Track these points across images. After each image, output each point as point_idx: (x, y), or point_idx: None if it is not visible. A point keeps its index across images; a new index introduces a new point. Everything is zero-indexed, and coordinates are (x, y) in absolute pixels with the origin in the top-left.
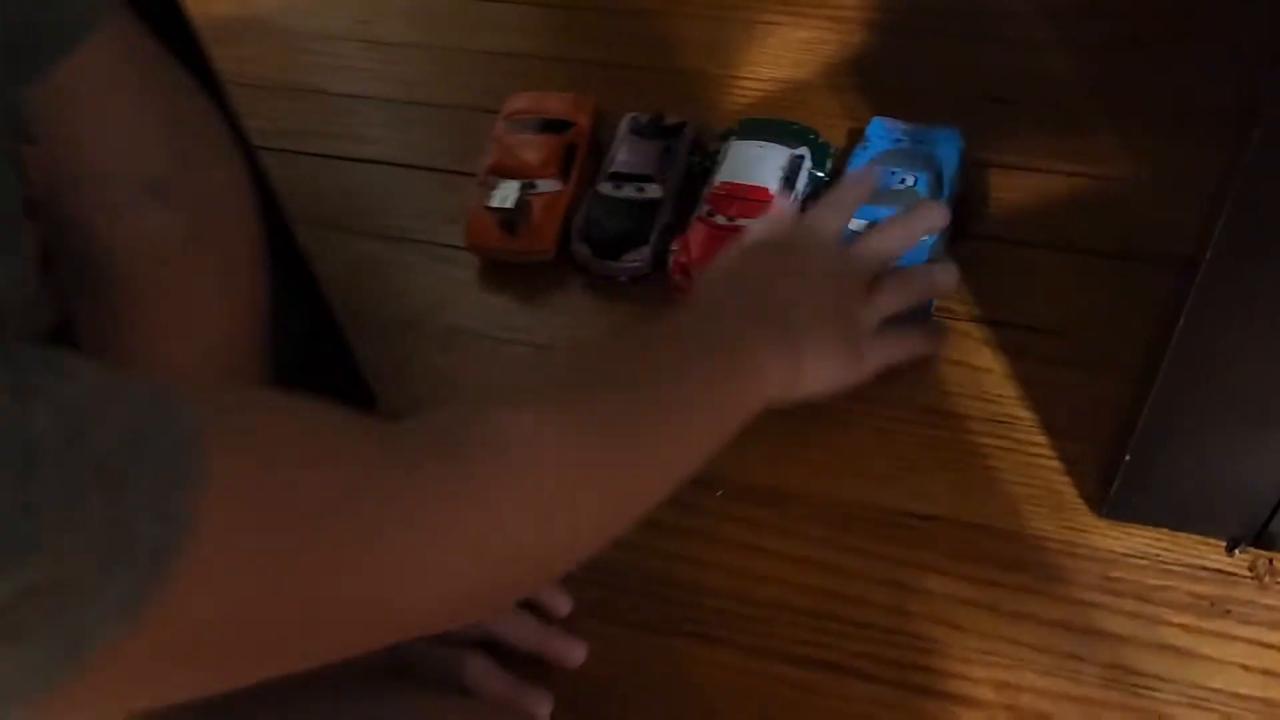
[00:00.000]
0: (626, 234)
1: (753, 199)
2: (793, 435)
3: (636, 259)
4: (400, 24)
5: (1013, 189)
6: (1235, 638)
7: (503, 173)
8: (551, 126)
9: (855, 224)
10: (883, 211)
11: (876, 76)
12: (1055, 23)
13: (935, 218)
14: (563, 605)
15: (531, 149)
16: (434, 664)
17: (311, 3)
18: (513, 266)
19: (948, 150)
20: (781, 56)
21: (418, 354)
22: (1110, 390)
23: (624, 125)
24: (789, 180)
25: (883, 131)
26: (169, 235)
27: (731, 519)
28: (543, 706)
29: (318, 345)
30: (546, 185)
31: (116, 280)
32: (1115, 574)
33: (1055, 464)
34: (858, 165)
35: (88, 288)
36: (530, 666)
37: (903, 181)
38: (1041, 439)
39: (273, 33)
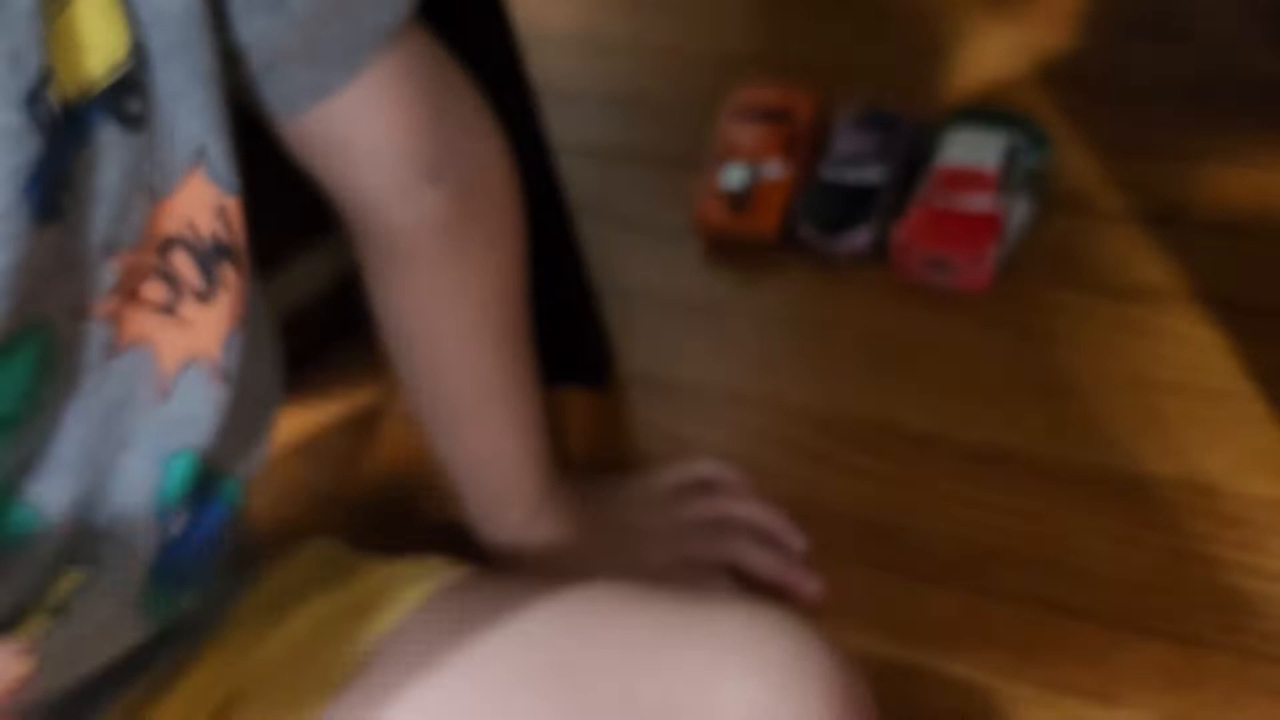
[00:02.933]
0: (848, 216)
1: (972, 180)
2: (1012, 402)
3: (858, 237)
4: (620, 23)
5: (1225, 180)
6: None
7: (729, 158)
8: (774, 115)
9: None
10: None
11: (1083, 76)
12: (1254, 20)
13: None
14: (797, 541)
15: (756, 136)
16: (683, 584)
17: (537, 11)
18: (737, 246)
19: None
20: (991, 55)
21: (647, 324)
22: None
23: (845, 116)
24: (1007, 164)
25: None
26: (444, 211)
27: (958, 476)
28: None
29: (571, 304)
30: (771, 170)
31: (399, 252)
32: None
33: (1276, 432)
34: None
35: (374, 257)
36: (769, 598)
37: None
38: (1261, 409)
39: None
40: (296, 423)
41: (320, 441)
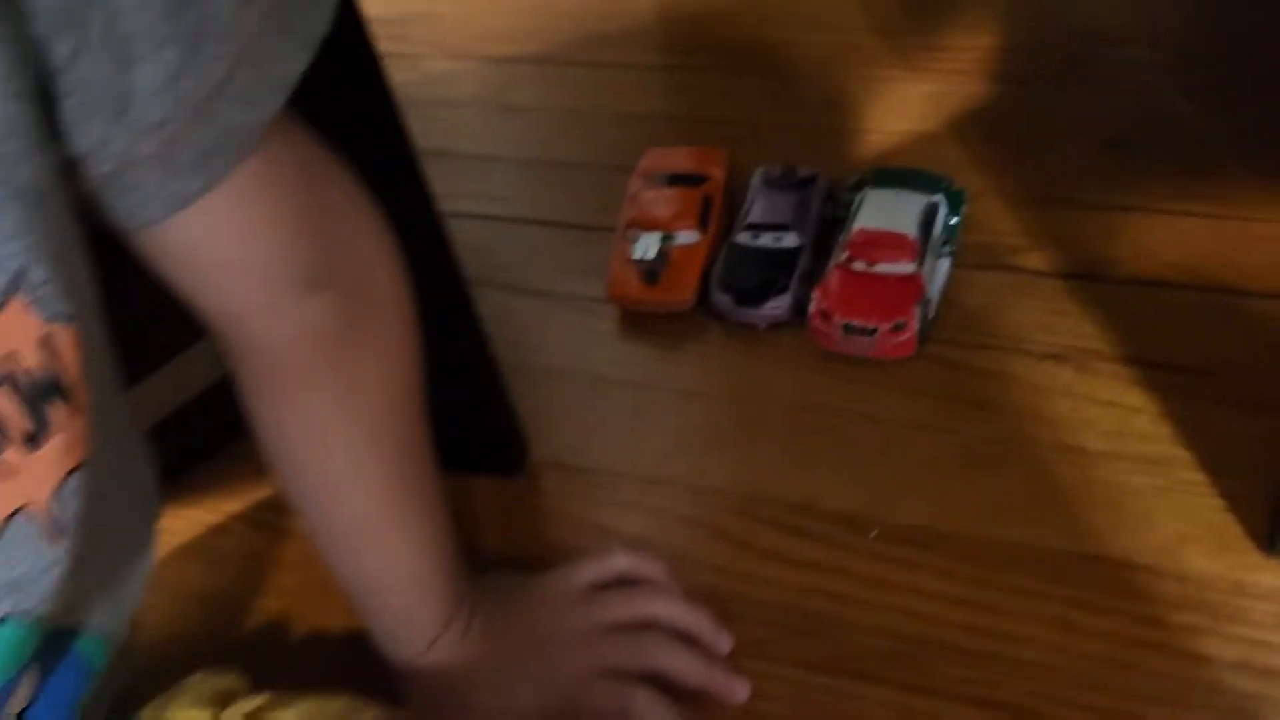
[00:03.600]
0: (765, 282)
1: (892, 245)
2: (945, 477)
3: (777, 306)
4: (531, 90)
5: (1148, 233)
6: None
7: (641, 226)
8: (686, 180)
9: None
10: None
11: (999, 127)
12: (1172, 69)
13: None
14: (724, 643)
15: (668, 202)
16: (602, 697)
17: (444, 74)
18: (653, 317)
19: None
20: (905, 110)
21: (564, 402)
22: (1267, 427)
23: (758, 177)
24: (926, 226)
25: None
26: (325, 322)
27: (888, 560)
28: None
29: (478, 388)
30: (685, 237)
31: (277, 368)
32: None
33: (1217, 501)
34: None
35: (249, 374)
36: (693, 703)
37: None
38: (1199, 476)
39: (409, 102)
40: (190, 524)
41: (216, 543)
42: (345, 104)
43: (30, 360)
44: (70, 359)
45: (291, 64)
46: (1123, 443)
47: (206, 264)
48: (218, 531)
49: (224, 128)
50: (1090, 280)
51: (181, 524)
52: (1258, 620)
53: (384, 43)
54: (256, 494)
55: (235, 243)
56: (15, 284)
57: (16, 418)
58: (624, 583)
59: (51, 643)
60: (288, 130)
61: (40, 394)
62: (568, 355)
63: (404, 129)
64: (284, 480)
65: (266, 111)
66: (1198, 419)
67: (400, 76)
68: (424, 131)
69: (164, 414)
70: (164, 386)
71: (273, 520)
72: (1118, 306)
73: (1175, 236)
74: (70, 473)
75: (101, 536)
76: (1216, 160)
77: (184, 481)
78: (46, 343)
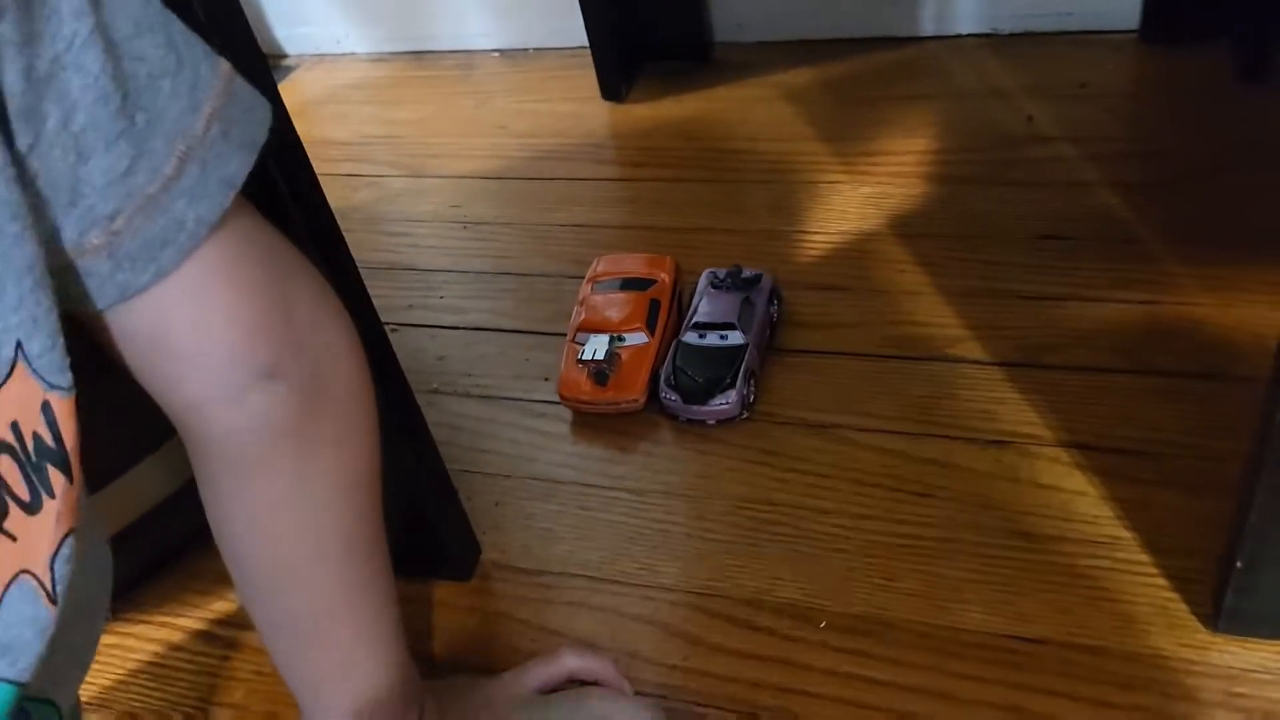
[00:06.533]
0: (712, 380)
1: None
2: (889, 566)
3: (724, 403)
4: (487, 206)
5: (1083, 320)
6: None
7: (592, 329)
8: (634, 284)
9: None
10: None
11: (936, 224)
12: (1101, 165)
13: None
14: None
15: (617, 306)
16: None
17: (403, 192)
18: (604, 417)
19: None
20: (847, 212)
21: (515, 504)
22: (1207, 506)
23: (704, 279)
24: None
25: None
26: (283, 412)
27: (838, 650)
28: None
29: (427, 494)
30: (633, 338)
31: (233, 456)
32: (1240, 689)
33: (1161, 581)
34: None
35: (205, 462)
36: None
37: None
38: (1143, 557)
39: (370, 220)
40: (141, 640)
41: (172, 660)
42: (285, 220)
43: (32, 429)
44: (68, 428)
45: (236, 164)
46: (1067, 527)
47: (163, 353)
48: (168, 646)
49: (173, 221)
50: (1029, 368)
51: (133, 640)
52: (1206, 698)
53: (347, 164)
54: (208, 609)
55: (192, 334)
56: (17, 355)
57: (19, 484)
58: (576, 683)
59: (21, 713)
60: (251, 227)
61: (41, 462)
62: (520, 458)
63: (343, 243)
64: (233, 570)
65: (215, 208)
66: (1140, 500)
67: (363, 195)
68: (386, 246)
69: (117, 529)
70: (114, 502)
71: (223, 634)
72: (1057, 392)
73: (1110, 323)
74: (64, 538)
75: (73, 602)
76: (1146, 249)
77: (134, 597)
78: (46, 412)
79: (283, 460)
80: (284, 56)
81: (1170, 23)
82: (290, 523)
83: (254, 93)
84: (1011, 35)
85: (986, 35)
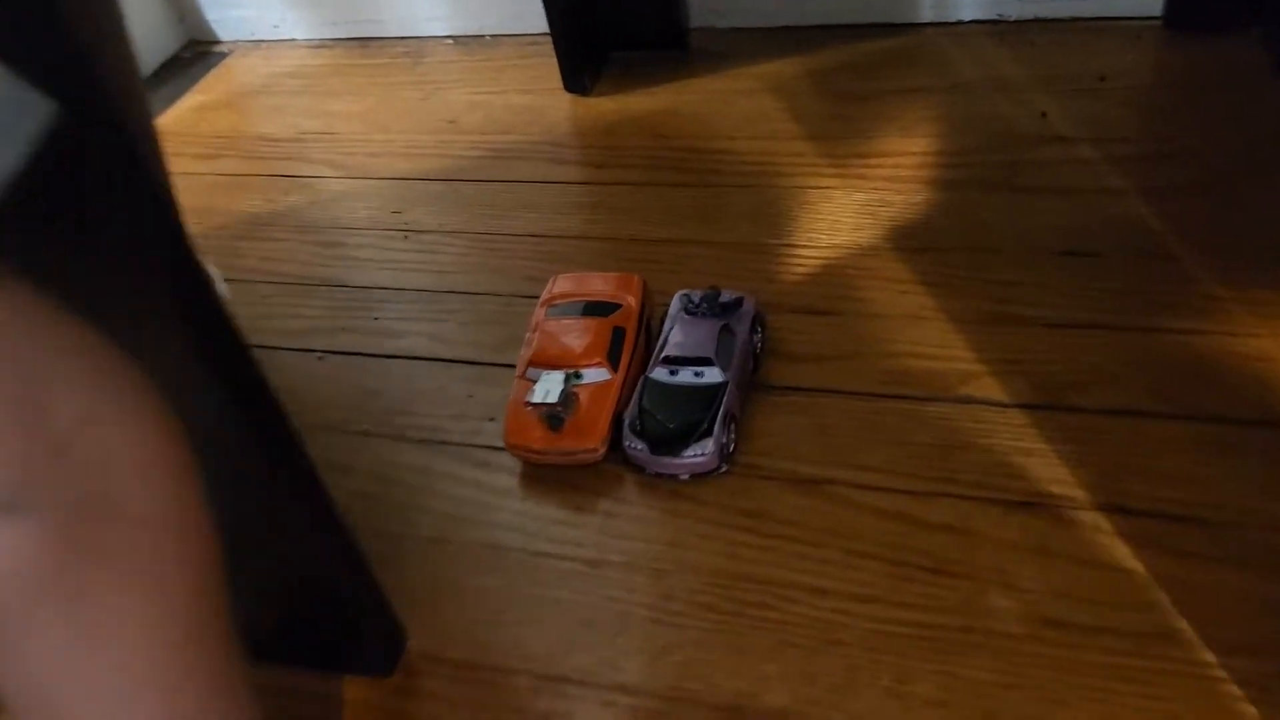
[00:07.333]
0: (686, 426)
1: None
2: (899, 665)
3: (699, 453)
4: (431, 212)
5: (1114, 352)
6: None
7: (545, 363)
8: (596, 309)
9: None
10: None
11: (941, 238)
12: (1124, 168)
13: None
14: None
15: (575, 335)
16: None
17: (339, 195)
18: (558, 469)
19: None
20: (839, 222)
21: (450, 577)
22: (1273, 590)
23: (676, 303)
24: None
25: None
26: (33, 552)
27: None
28: None
29: (332, 576)
30: (593, 375)
31: None
32: None
33: (1229, 688)
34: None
35: None
36: None
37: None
38: (1205, 656)
39: (301, 227)
40: None
41: None
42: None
43: None
44: None
45: None
46: (1110, 614)
47: None
48: None
49: None
50: (1053, 410)
51: None
52: None
53: (279, 163)
54: None
55: None
56: None
57: None
58: None
59: None
60: (21, 315)
61: None
62: (460, 518)
63: (222, 310)
64: None
65: None
66: (1195, 581)
67: (295, 198)
68: (316, 259)
69: None
70: None
71: None
72: (1088, 440)
73: (1146, 356)
74: None
75: None
76: (1181, 267)
77: None
78: None
79: (46, 608)
80: (216, 42)
81: (1198, 7)
82: (80, 678)
83: None
84: (1020, 21)
85: (993, 21)
